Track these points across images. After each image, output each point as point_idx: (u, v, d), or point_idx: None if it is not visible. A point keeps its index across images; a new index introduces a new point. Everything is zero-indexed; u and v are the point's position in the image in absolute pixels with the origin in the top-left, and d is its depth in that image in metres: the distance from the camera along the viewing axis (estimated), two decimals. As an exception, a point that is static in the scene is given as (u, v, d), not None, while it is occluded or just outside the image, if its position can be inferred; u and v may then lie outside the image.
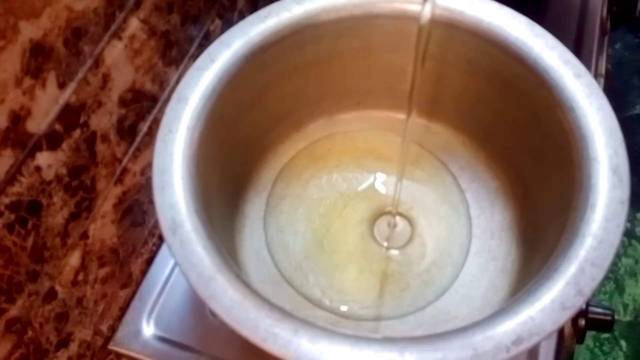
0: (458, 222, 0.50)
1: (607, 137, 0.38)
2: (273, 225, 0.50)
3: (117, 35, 0.41)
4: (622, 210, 0.35)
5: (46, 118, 0.36)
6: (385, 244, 0.49)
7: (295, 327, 0.31)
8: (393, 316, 0.46)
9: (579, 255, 0.34)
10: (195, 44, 0.52)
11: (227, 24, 0.56)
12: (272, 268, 0.48)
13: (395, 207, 0.51)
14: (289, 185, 0.52)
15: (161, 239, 0.54)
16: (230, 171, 0.47)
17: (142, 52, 0.44)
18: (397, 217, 0.50)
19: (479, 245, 0.48)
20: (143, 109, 0.47)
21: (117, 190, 0.46)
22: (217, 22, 0.55)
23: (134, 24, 0.43)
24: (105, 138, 0.43)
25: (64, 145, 0.38)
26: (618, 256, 0.97)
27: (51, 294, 0.41)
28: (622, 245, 0.97)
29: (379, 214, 0.51)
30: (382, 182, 0.52)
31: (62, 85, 0.37)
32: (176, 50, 0.49)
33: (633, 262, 0.97)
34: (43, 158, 0.37)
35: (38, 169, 0.36)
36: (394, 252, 0.49)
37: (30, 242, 0.37)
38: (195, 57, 0.51)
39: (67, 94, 0.38)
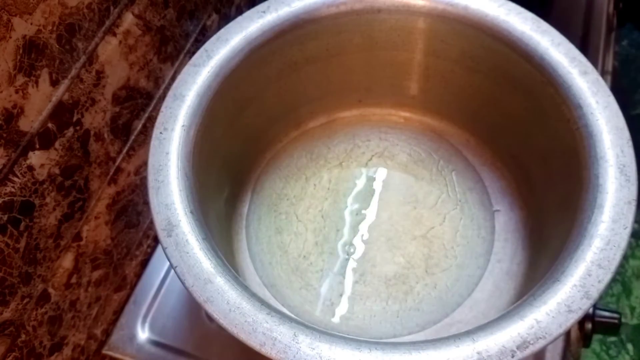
0: (462, 223, 0.49)
1: (613, 135, 0.37)
2: (272, 226, 0.50)
3: (111, 31, 0.41)
4: (630, 211, 0.35)
5: (39, 116, 0.36)
6: (388, 245, 0.48)
7: (295, 331, 0.31)
8: (394, 320, 0.45)
9: (585, 257, 0.33)
10: (192, 39, 0.52)
11: (225, 19, 0.56)
12: (270, 270, 0.48)
13: (398, 207, 0.50)
14: (288, 185, 0.52)
15: (156, 240, 0.54)
16: (227, 170, 0.47)
17: (136, 48, 0.44)
18: (400, 217, 0.50)
19: (484, 247, 0.48)
20: (137, 106, 0.46)
21: (111, 191, 0.46)
22: (214, 17, 0.55)
23: (128, 20, 0.42)
24: (98, 137, 0.42)
25: (57, 144, 0.38)
26: (625, 258, 0.96)
27: (44, 297, 0.41)
28: (630, 246, 0.97)
29: (381, 214, 0.50)
30: (384, 181, 0.52)
31: (55, 83, 0.37)
32: (172, 46, 0.49)
33: (641, 264, 0.97)
34: (36, 157, 0.36)
35: (31, 168, 0.36)
36: (397, 254, 0.48)
37: (23, 243, 0.37)
38: (191, 53, 0.51)
39: (60, 92, 0.37)
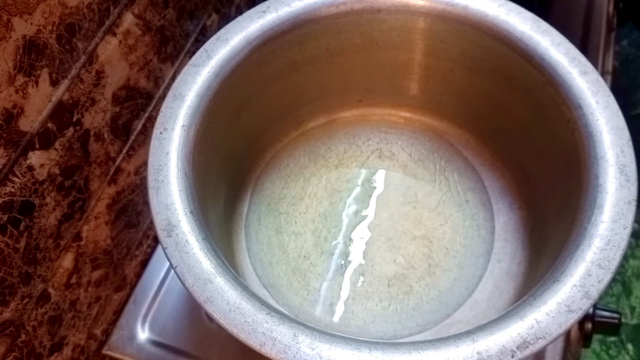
0: (462, 223, 0.49)
1: (613, 135, 0.37)
2: (271, 226, 0.49)
3: (111, 31, 0.41)
4: (630, 211, 0.34)
5: (39, 116, 0.36)
6: (388, 245, 0.48)
7: (295, 331, 0.31)
8: (394, 321, 0.45)
9: (585, 257, 0.33)
10: (192, 39, 0.52)
11: (224, 19, 0.56)
12: (270, 271, 0.47)
13: (398, 207, 0.50)
14: (288, 185, 0.52)
15: (156, 240, 0.54)
16: (227, 170, 0.46)
17: (136, 48, 0.44)
18: (400, 217, 0.50)
19: (484, 247, 0.48)
20: (137, 106, 0.46)
21: (111, 191, 0.45)
22: (214, 17, 0.55)
23: (128, 20, 0.42)
24: (98, 137, 0.42)
25: (57, 144, 0.38)
26: (625, 258, 0.96)
27: (44, 297, 0.41)
28: (630, 246, 0.97)
29: (381, 214, 0.50)
30: (384, 181, 0.52)
31: (55, 83, 0.37)
32: (172, 46, 0.49)
33: (641, 264, 0.97)
34: (36, 157, 0.36)
35: (31, 168, 0.36)
36: (397, 254, 0.48)
37: (23, 243, 0.37)
38: (191, 53, 0.51)
39: (60, 92, 0.37)
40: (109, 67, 0.41)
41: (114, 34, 0.41)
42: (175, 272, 0.33)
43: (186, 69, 0.40)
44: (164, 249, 0.34)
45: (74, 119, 0.39)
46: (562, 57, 0.40)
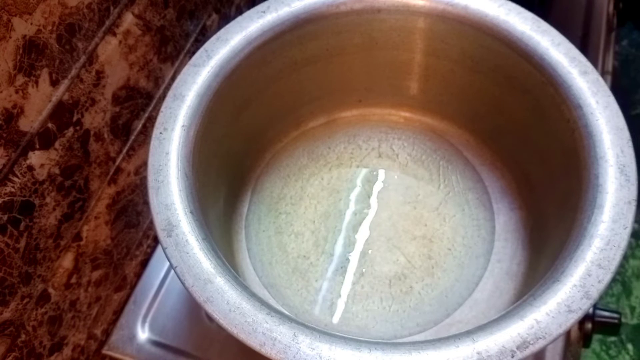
0: (463, 223, 0.49)
1: (613, 135, 0.37)
2: (271, 226, 0.49)
3: (111, 31, 0.41)
4: (630, 211, 0.34)
5: (39, 116, 0.36)
6: (388, 245, 0.48)
7: (294, 332, 0.31)
8: (394, 321, 0.45)
9: (585, 257, 0.33)
10: (192, 39, 0.52)
11: (224, 19, 0.56)
12: (270, 270, 0.47)
13: (398, 207, 0.50)
14: (288, 185, 0.52)
15: (156, 240, 0.54)
16: (227, 170, 0.46)
17: (136, 48, 0.44)
18: (401, 217, 0.50)
19: (484, 247, 0.48)
20: (137, 106, 0.46)
21: (111, 191, 0.45)
22: (214, 17, 0.55)
23: (128, 20, 0.42)
24: (98, 137, 0.42)
25: (57, 144, 0.38)
26: (625, 258, 0.96)
27: (44, 297, 0.41)
28: (630, 246, 0.97)
29: (381, 214, 0.50)
30: (384, 180, 0.52)
31: (55, 83, 0.37)
32: (172, 46, 0.49)
33: (641, 264, 0.97)
34: (36, 157, 0.36)
35: (31, 168, 0.36)
36: (397, 253, 0.48)
37: (23, 243, 0.37)
38: (191, 53, 0.51)
39: (60, 92, 0.37)
40: (109, 67, 0.41)
41: (114, 34, 0.41)
42: (175, 272, 0.33)
43: (186, 69, 0.40)
44: (164, 249, 0.34)
45: (74, 119, 0.39)
46: (562, 57, 0.40)
